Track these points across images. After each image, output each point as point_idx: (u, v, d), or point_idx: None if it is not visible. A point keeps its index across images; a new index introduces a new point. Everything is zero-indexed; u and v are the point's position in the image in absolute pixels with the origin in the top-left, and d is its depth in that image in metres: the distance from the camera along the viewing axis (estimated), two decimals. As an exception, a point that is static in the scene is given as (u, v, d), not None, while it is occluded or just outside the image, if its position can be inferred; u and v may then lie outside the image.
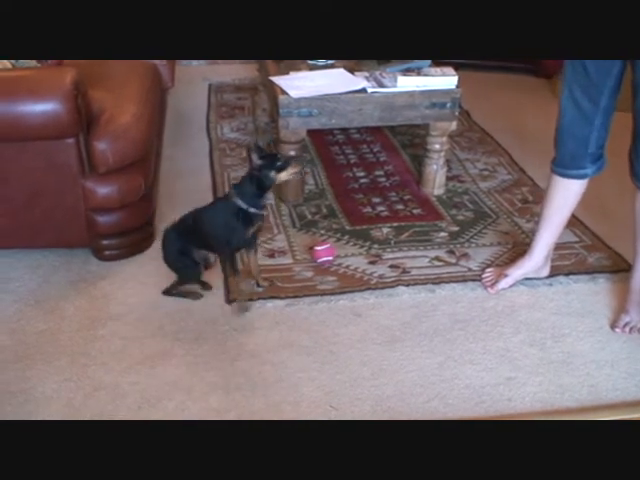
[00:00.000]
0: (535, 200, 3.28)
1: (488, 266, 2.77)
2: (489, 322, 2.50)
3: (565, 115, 2.38)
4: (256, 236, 2.60)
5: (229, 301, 2.58)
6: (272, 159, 2.44)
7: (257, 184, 2.44)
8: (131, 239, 2.85)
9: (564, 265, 2.78)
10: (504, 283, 2.64)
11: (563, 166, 2.46)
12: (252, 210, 2.46)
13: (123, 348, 2.38)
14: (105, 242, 2.81)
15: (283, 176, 2.45)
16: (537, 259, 2.64)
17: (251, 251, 2.61)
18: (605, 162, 2.47)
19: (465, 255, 2.87)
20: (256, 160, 2.40)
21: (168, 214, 3.00)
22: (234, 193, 2.47)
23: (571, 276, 2.72)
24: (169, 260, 2.62)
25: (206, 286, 2.68)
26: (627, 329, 2.44)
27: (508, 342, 2.41)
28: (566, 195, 2.52)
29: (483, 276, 2.70)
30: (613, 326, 2.46)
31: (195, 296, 2.62)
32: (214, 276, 2.68)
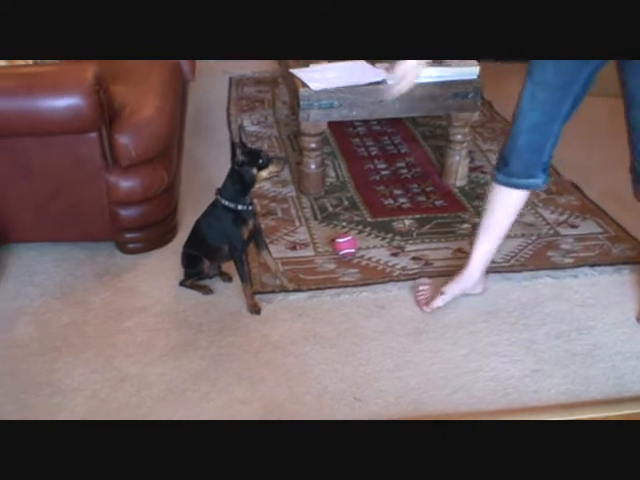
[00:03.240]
0: (559, 191, 3.26)
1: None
2: (514, 314, 2.49)
3: (525, 120, 2.26)
4: (260, 233, 2.59)
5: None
6: (254, 156, 2.42)
7: (239, 181, 2.43)
8: (154, 232, 2.87)
9: (589, 256, 2.77)
10: (440, 301, 2.50)
11: (514, 175, 2.34)
12: (240, 207, 2.46)
13: (148, 340, 2.40)
14: (128, 235, 2.83)
15: (263, 174, 2.44)
16: (474, 273, 2.53)
17: (262, 249, 2.60)
18: (549, 176, 2.40)
19: (488, 246, 2.86)
20: (239, 155, 2.39)
21: (190, 207, 3.02)
22: (219, 195, 2.48)
23: (596, 267, 2.71)
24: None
25: (226, 277, 2.70)
26: None
27: (533, 334, 2.40)
28: (509, 206, 2.43)
29: (417, 293, 2.57)
30: (638, 318, 2.44)
31: (205, 291, 2.63)
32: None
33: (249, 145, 2.53)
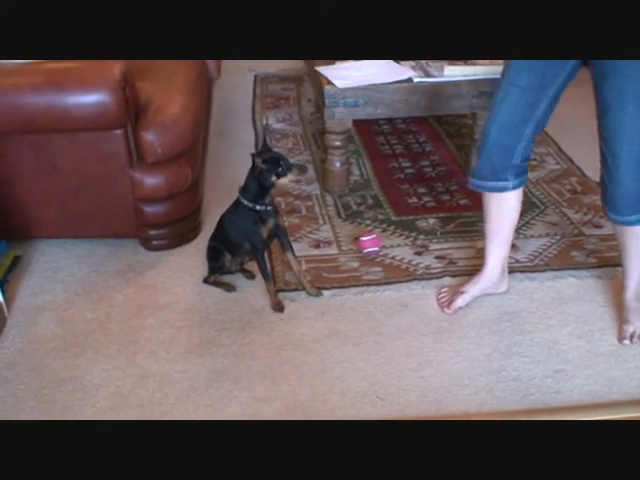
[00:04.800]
0: (584, 191, 3.24)
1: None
2: (537, 314, 2.47)
3: (496, 120, 2.26)
4: (285, 235, 2.60)
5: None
6: (275, 164, 2.42)
7: (259, 183, 2.45)
8: (178, 229, 2.88)
9: (612, 257, 2.73)
10: (461, 301, 2.50)
11: (483, 178, 2.35)
12: (258, 208, 2.48)
13: (171, 337, 2.41)
14: (153, 232, 2.84)
15: (283, 181, 2.46)
16: (492, 274, 2.52)
17: (287, 250, 2.59)
18: (527, 179, 2.40)
19: (512, 246, 2.81)
20: (260, 164, 2.40)
21: (214, 204, 3.03)
22: (240, 194, 2.50)
23: (619, 268, 2.67)
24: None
25: (249, 275, 2.70)
26: (635, 339, 2.33)
27: (556, 334, 2.38)
28: (502, 209, 2.42)
29: (438, 297, 2.55)
30: (620, 339, 2.35)
31: (228, 288, 2.64)
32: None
33: (272, 147, 2.53)
